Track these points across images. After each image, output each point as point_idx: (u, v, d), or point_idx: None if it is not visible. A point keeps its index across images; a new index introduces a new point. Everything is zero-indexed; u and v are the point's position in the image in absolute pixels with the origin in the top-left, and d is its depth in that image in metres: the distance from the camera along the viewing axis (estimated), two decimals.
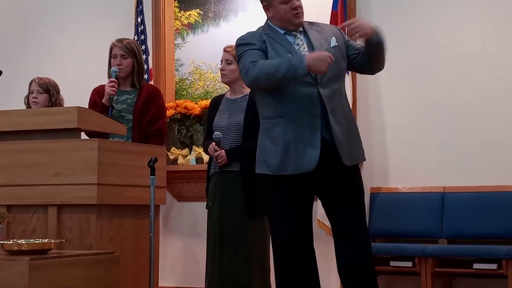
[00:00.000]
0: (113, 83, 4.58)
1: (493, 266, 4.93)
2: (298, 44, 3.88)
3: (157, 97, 4.68)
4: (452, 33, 5.56)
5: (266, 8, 3.96)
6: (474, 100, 5.48)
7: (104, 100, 4.59)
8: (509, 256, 4.87)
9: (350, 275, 3.86)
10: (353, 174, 3.86)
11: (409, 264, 5.07)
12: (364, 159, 3.98)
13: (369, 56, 3.88)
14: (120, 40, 4.75)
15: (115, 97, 4.61)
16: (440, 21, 5.59)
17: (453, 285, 5.44)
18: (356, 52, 3.92)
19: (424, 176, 5.45)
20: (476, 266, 4.98)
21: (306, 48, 3.85)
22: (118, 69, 4.64)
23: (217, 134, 4.64)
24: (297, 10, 3.89)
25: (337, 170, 3.76)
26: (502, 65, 5.42)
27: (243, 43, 3.93)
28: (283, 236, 3.81)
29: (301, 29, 3.94)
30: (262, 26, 4.03)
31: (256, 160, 3.86)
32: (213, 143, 4.63)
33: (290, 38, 3.91)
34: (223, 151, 4.58)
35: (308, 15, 5.91)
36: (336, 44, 3.86)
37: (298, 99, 3.77)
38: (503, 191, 5.25)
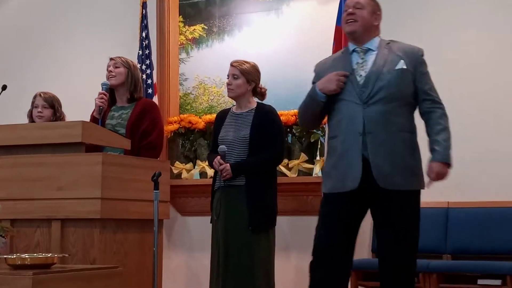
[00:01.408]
0: (102, 95, 4.59)
1: (498, 282, 4.91)
2: (359, 62, 3.82)
3: (151, 110, 4.65)
4: (454, 51, 5.58)
5: None
6: (477, 114, 5.49)
7: (94, 113, 4.61)
8: None
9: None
10: (403, 200, 3.78)
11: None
12: (411, 188, 3.81)
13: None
14: (115, 57, 4.76)
15: (111, 113, 4.62)
16: (442, 39, 5.61)
17: None
18: (421, 100, 3.83)
19: (428, 192, 5.40)
20: (480, 282, 4.97)
21: (368, 68, 3.79)
22: (110, 76, 4.65)
23: (222, 147, 4.63)
24: (347, 20, 3.85)
25: (382, 192, 3.71)
26: (503, 81, 5.44)
27: (314, 70, 4.06)
28: (320, 242, 3.85)
29: (374, 48, 3.85)
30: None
31: None
32: (218, 157, 4.62)
33: (354, 56, 3.86)
34: (228, 164, 4.57)
35: (311, 31, 5.96)
36: (404, 67, 3.77)
37: (346, 118, 3.77)
38: (508, 207, 5.25)
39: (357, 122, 3.72)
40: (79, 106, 5.25)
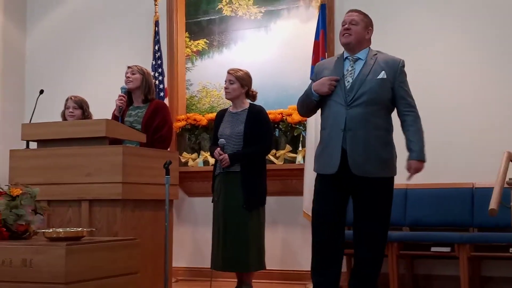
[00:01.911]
0: (121, 97, 4.61)
1: (447, 249, 4.93)
2: (348, 69, 3.82)
3: (162, 109, 4.64)
4: (420, 52, 5.54)
5: None
6: (433, 112, 5.49)
7: (115, 112, 4.61)
8: (461, 241, 4.88)
9: (356, 268, 3.88)
10: (376, 186, 3.77)
11: None
12: (382, 176, 3.78)
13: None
14: (132, 65, 4.76)
15: (128, 112, 4.62)
16: (410, 42, 5.58)
17: (414, 265, 5.43)
18: (398, 105, 3.83)
19: None
20: (433, 249, 4.98)
21: (355, 75, 3.79)
22: (128, 81, 4.65)
23: (221, 141, 4.64)
24: (343, 33, 3.85)
25: (357, 179, 3.71)
26: (460, 81, 5.43)
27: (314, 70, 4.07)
28: (314, 217, 3.90)
29: (363, 57, 3.84)
30: None
31: None
32: (218, 148, 4.64)
33: (346, 63, 3.85)
34: (227, 155, 4.58)
35: (294, 44, 5.95)
36: (385, 77, 3.77)
37: (332, 115, 3.79)
38: (456, 187, 5.25)
39: (340, 120, 3.72)
40: (103, 106, 5.24)
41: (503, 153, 3.85)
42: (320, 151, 3.87)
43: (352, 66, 3.81)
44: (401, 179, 5.40)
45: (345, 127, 3.70)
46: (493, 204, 3.49)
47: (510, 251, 3.31)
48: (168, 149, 4.78)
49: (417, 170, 3.81)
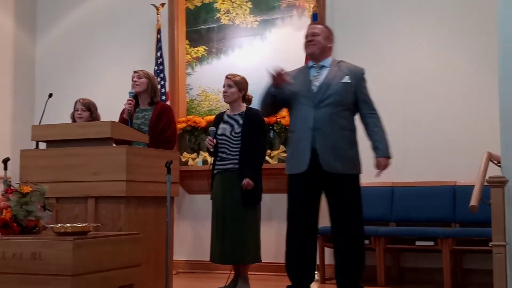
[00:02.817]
0: (130, 101, 4.61)
1: (431, 243, 4.95)
2: (314, 75, 3.88)
3: (167, 112, 4.65)
4: (405, 58, 5.58)
5: None
6: (417, 114, 5.51)
7: (124, 115, 4.61)
8: (443, 236, 4.89)
9: (336, 248, 3.91)
10: (345, 182, 3.80)
11: (367, 242, 5.06)
12: (350, 172, 3.83)
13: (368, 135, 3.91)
14: (138, 70, 4.75)
15: (136, 114, 4.62)
16: (391, 53, 5.61)
17: (400, 258, 5.45)
18: (361, 108, 3.88)
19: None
20: (417, 243, 5.01)
21: (321, 80, 3.85)
22: (135, 85, 4.65)
23: (212, 128, 4.71)
24: (307, 45, 3.93)
25: (328, 175, 3.75)
26: (443, 87, 5.46)
27: None
28: (289, 215, 3.92)
29: (327, 65, 3.90)
30: None
31: None
32: (209, 137, 4.66)
33: (312, 70, 3.92)
34: (249, 181, 4.54)
35: (288, 51, 5.95)
36: (348, 82, 3.83)
37: (301, 117, 3.83)
38: (439, 186, 5.28)
39: (309, 120, 3.77)
40: (109, 108, 5.23)
41: (483, 154, 3.86)
42: (290, 152, 3.91)
43: (318, 72, 3.88)
44: (388, 177, 5.45)
45: (313, 126, 3.75)
46: (473, 201, 3.49)
47: (490, 245, 3.32)
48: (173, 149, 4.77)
49: (385, 166, 3.87)
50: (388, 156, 3.86)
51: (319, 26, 4.01)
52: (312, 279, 3.97)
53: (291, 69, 4.05)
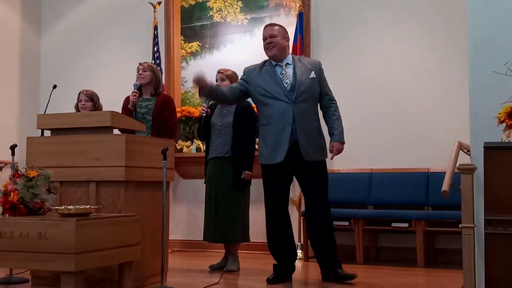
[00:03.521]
0: (135, 93, 4.59)
1: (405, 225, 4.98)
2: (282, 73, 3.91)
3: (169, 103, 4.64)
4: (381, 58, 5.59)
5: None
6: (395, 108, 5.53)
7: (129, 106, 4.59)
8: (417, 218, 4.93)
9: (312, 220, 3.99)
10: (318, 166, 3.92)
11: (347, 223, 5.10)
12: (322, 159, 3.96)
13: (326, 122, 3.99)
14: (143, 62, 4.73)
15: (139, 103, 4.60)
16: (371, 51, 5.63)
17: (377, 239, 5.48)
18: (322, 98, 3.96)
19: (357, 161, 5.48)
20: (393, 225, 5.03)
21: (290, 77, 3.88)
22: (140, 77, 4.63)
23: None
24: (268, 47, 3.94)
25: (305, 162, 3.85)
26: (420, 84, 5.47)
27: (243, 72, 4.08)
28: (269, 202, 4.02)
29: (290, 62, 3.93)
30: (266, 59, 4.05)
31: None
32: (203, 105, 4.69)
33: (278, 69, 3.93)
34: (248, 172, 4.58)
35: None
36: (314, 76, 3.90)
37: (278, 112, 3.84)
38: (413, 172, 5.30)
39: (288, 115, 3.82)
40: (111, 98, 5.21)
41: (455, 143, 3.88)
42: (267, 144, 3.91)
43: (285, 71, 3.91)
44: (367, 164, 5.49)
45: (293, 120, 3.80)
46: (445, 186, 3.51)
47: (459, 227, 3.35)
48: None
49: (339, 150, 3.93)
50: (342, 142, 3.93)
51: (276, 27, 3.99)
52: (295, 257, 4.04)
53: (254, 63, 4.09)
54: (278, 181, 3.92)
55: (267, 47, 3.93)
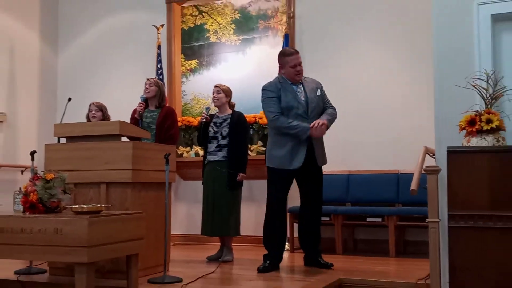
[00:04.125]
0: (141, 104, 4.59)
1: (379, 220, 4.99)
2: (299, 92, 4.00)
3: (172, 114, 4.63)
4: (358, 73, 5.60)
5: (281, 68, 4.07)
6: (369, 115, 5.54)
7: (136, 116, 4.58)
8: (389, 213, 4.94)
9: (308, 216, 4.12)
10: (319, 171, 4.10)
11: (327, 218, 5.10)
12: (323, 164, 4.13)
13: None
14: (150, 78, 4.73)
15: (145, 114, 4.59)
16: (349, 65, 5.64)
17: (354, 232, 5.48)
18: (324, 106, 4.09)
19: (337, 164, 5.48)
20: (369, 220, 5.04)
21: (304, 94, 3.99)
22: (146, 91, 4.64)
23: (207, 108, 4.74)
24: (299, 73, 4.01)
25: (312, 168, 4.01)
26: (388, 93, 5.48)
27: (266, 89, 4.05)
28: (274, 204, 4.06)
29: (301, 81, 4.05)
30: (277, 77, 4.08)
31: (267, 157, 4.07)
32: (204, 112, 4.71)
33: (294, 87, 4.02)
34: (243, 175, 4.59)
35: (265, 64, 5.92)
36: (319, 94, 4.05)
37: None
38: (385, 173, 5.31)
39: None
40: (119, 110, 5.19)
41: (422, 148, 3.90)
42: (284, 151, 3.95)
43: (300, 89, 4.01)
44: (345, 167, 5.49)
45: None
46: (413, 185, 3.53)
47: (426, 221, 3.36)
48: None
49: (321, 124, 3.91)
50: (328, 124, 3.96)
51: (299, 55, 4.08)
52: (283, 248, 4.09)
53: (268, 80, 4.10)
54: (287, 186, 4.05)
55: (298, 73, 4.00)
